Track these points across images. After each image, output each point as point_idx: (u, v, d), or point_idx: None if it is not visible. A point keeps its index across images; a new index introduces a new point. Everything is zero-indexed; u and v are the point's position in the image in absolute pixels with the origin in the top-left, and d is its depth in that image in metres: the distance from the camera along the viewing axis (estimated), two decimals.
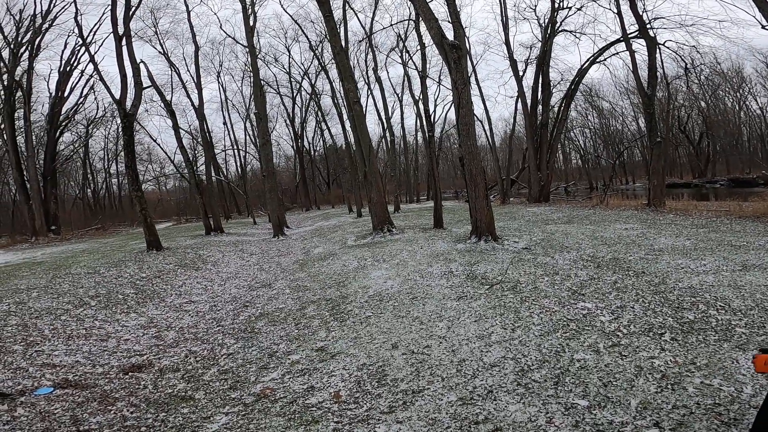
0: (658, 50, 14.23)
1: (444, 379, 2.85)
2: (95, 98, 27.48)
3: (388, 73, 37.56)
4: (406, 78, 26.01)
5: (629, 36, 15.01)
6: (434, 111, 32.81)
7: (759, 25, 10.12)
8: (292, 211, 35.19)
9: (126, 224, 29.49)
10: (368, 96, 29.70)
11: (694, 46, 16.53)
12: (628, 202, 15.04)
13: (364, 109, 15.10)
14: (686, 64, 17.21)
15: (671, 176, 34.31)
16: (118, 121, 14.56)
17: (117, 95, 11.07)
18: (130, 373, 3.56)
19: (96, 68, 12.54)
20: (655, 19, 15.79)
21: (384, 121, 25.69)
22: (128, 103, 11.32)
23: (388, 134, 26.12)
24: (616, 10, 15.09)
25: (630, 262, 5.48)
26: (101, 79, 12.18)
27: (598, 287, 4.50)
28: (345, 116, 18.85)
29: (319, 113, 33.68)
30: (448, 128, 32.61)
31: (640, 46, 14.74)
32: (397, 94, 32.55)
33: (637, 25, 13.95)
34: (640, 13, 13.80)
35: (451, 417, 2.43)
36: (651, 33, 14.12)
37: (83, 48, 15.61)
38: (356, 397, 2.77)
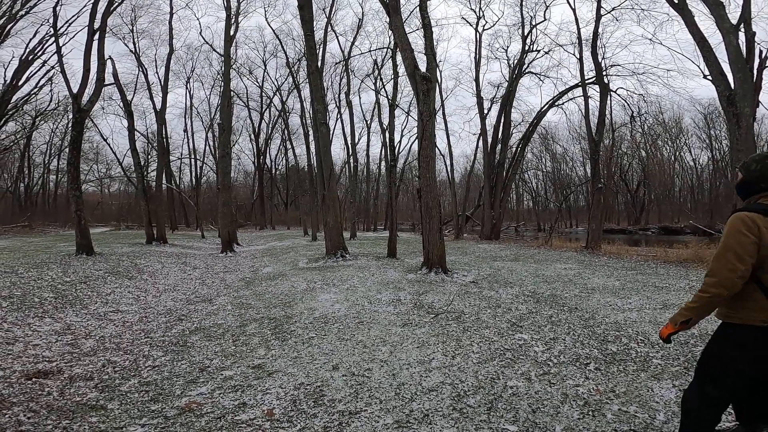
0: (609, 97, 15.33)
1: (382, 402, 2.84)
2: (51, 90, 25.74)
3: (360, 98, 38.22)
4: (377, 105, 26.57)
5: (586, 81, 16.11)
6: (400, 141, 33.61)
7: (701, 75, 11.14)
8: (245, 229, 34.01)
9: (57, 225, 27.25)
10: (338, 119, 29.88)
11: (641, 94, 17.77)
12: (569, 245, 16.06)
13: (331, 132, 15.29)
14: (632, 112, 18.60)
15: (609, 222, 36.89)
16: (70, 116, 13.69)
17: (75, 90, 10.57)
18: (33, 379, 3.23)
19: (60, 60, 11.88)
20: (612, 66, 17.06)
21: (350, 146, 25.90)
22: (85, 99, 10.80)
23: (352, 160, 26.29)
24: (578, 56, 16.24)
25: (565, 299, 5.83)
26: (62, 71, 11.55)
27: (535, 320, 4.73)
28: (311, 137, 18.88)
29: (286, 131, 33.41)
30: (411, 160, 33.44)
31: (594, 92, 15.77)
32: (366, 121, 32.81)
33: (594, 72, 14.96)
34: (599, 60, 14.90)
35: None
36: (605, 80, 15.19)
37: (53, 38, 14.77)
38: (290, 416, 2.68)
